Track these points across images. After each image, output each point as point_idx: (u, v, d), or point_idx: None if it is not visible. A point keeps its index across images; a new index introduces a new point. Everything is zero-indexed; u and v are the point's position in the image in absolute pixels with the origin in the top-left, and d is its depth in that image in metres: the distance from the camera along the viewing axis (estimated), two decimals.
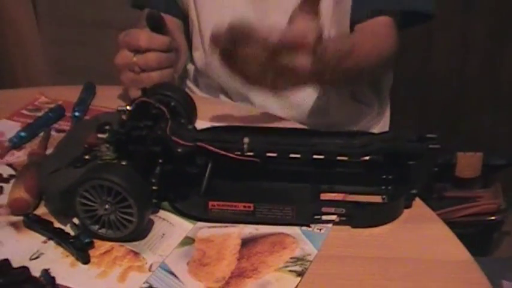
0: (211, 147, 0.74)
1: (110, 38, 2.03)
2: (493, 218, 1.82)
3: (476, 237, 1.77)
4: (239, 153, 0.75)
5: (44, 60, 2.26)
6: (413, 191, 0.74)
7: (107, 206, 0.67)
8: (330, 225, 0.71)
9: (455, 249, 0.69)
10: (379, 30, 1.08)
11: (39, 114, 0.99)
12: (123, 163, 0.69)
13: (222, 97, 1.17)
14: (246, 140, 0.75)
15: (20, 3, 2.18)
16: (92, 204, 0.67)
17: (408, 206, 0.74)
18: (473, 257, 0.68)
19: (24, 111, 1.01)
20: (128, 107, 0.77)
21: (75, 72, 2.20)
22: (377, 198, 0.74)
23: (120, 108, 0.77)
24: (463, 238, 0.73)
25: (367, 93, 1.22)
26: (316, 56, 0.76)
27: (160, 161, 0.73)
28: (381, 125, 1.24)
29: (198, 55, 1.20)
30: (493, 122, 1.95)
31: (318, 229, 0.70)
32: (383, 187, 0.75)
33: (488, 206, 1.83)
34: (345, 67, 0.87)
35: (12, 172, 0.84)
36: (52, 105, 1.02)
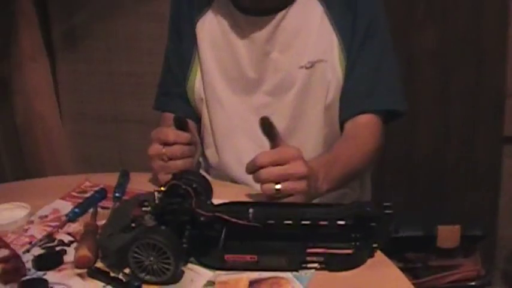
0: (225, 217, 0.95)
1: (126, 131, 2.23)
2: (473, 283, 1.99)
3: None
4: (246, 220, 0.95)
5: (68, 151, 2.43)
6: (375, 245, 0.95)
7: (151, 259, 0.89)
8: (313, 270, 0.92)
9: (403, 285, 0.90)
10: (361, 132, 1.24)
11: (86, 195, 1.21)
12: (163, 228, 0.93)
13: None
14: (251, 210, 0.96)
15: (46, 101, 2.36)
16: (140, 257, 0.90)
17: (371, 256, 0.95)
18: None
19: (74, 193, 1.24)
20: (163, 188, 1.00)
21: (96, 161, 2.37)
22: (348, 251, 0.93)
23: (156, 189, 1.00)
24: None
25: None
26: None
27: (188, 227, 0.94)
28: None
29: (210, 152, 1.39)
30: (471, 198, 2.11)
31: (304, 273, 0.92)
32: (352, 243, 0.94)
33: (469, 273, 1.99)
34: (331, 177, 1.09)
35: (71, 238, 1.05)
36: (96, 188, 1.23)
